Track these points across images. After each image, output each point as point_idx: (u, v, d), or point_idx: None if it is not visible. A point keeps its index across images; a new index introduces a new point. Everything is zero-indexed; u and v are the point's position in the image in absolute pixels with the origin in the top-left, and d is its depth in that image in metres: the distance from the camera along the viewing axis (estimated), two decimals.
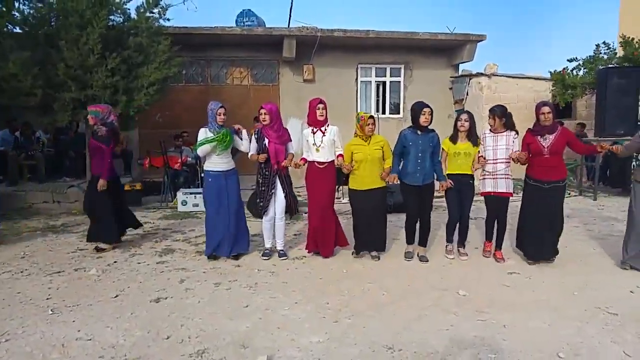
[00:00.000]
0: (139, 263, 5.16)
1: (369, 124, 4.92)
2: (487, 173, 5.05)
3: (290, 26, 11.61)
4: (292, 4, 11.78)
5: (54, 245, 5.94)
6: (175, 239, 6.21)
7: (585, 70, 10.72)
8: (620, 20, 15.18)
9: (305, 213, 5.46)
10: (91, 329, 3.51)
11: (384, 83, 12.70)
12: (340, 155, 5.05)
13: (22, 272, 4.86)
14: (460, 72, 12.69)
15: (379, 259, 5.21)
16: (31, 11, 7.29)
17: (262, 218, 5.33)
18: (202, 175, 5.44)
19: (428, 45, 12.13)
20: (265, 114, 5.00)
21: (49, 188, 8.45)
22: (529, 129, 4.99)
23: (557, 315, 3.66)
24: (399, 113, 12.67)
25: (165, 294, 4.20)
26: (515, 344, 3.20)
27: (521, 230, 5.11)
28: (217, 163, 5.08)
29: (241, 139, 5.18)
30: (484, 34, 11.63)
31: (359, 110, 12.17)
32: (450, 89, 12.56)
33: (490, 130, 5.12)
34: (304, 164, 5.16)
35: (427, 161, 4.96)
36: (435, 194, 5.29)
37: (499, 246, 5.21)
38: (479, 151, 5.06)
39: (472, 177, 5.11)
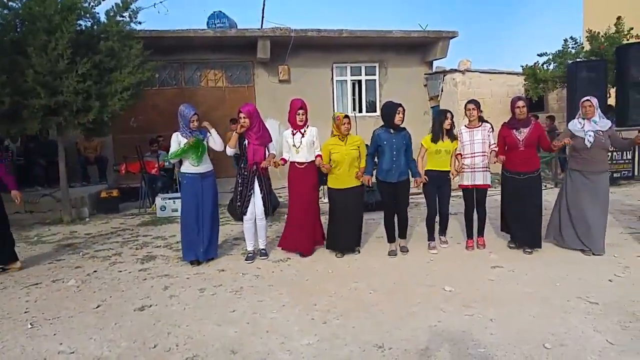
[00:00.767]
0: (120, 271, 5.04)
1: (344, 124, 5.03)
2: (465, 167, 5.19)
3: (264, 27, 11.54)
4: (264, 4, 11.67)
5: (29, 256, 5.76)
6: (157, 245, 6.10)
7: (555, 64, 10.98)
8: (585, 16, 15.64)
9: (286, 214, 5.46)
10: (74, 341, 3.41)
11: (360, 82, 12.75)
12: (319, 155, 5.13)
13: None
14: (434, 69, 12.85)
15: (359, 252, 5.36)
16: None
17: (242, 220, 5.30)
18: (179, 178, 5.38)
19: (402, 43, 12.23)
20: (244, 117, 4.97)
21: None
22: (504, 122, 5.20)
23: (542, 307, 3.73)
24: (375, 111, 12.72)
25: (150, 302, 4.12)
26: (503, 337, 3.25)
27: (505, 216, 5.35)
28: (194, 166, 5.03)
29: (210, 134, 5.12)
30: (456, 31, 11.80)
31: (335, 110, 12.20)
32: (425, 86, 12.70)
33: (465, 126, 5.28)
34: (283, 164, 5.20)
35: (402, 159, 5.10)
36: (416, 190, 5.41)
37: (480, 234, 5.42)
38: (457, 148, 5.21)
39: (450, 173, 5.28)
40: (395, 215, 5.29)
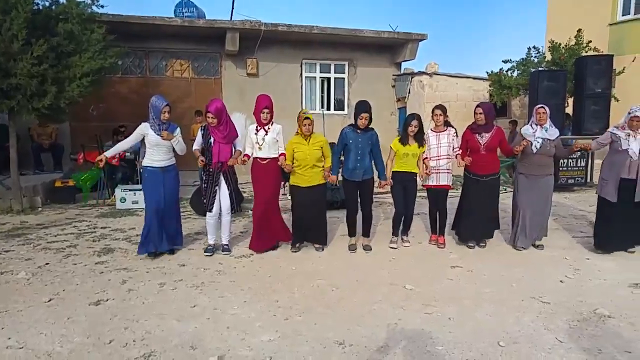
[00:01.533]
0: (74, 264, 4.86)
1: (305, 125, 5.01)
2: (432, 169, 5.32)
3: (233, 19, 11.38)
4: None
5: None
6: (115, 238, 5.91)
7: (518, 72, 11.31)
8: (548, 26, 16.19)
9: (251, 210, 5.41)
10: (23, 336, 3.27)
11: (329, 79, 12.77)
12: (283, 154, 5.11)
13: None
14: (402, 71, 13.01)
15: (322, 249, 5.36)
16: None
17: (205, 215, 5.24)
18: (141, 170, 5.25)
19: (372, 43, 12.33)
20: (212, 117, 4.89)
21: None
22: (468, 126, 5.38)
23: (498, 306, 3.83)
24: (343, 109, 12.80)
25: (106, 296, 3.99)
26: (461, 335, 3.32)
27: (458, 215, 5.59)
28: (155, 159, 4.92)
29: (172, 141, 4.97)
30: (425, 33, 12.00)
31: (304, 106, 12.21)
32: (393, 86, 12.84)
33: (432, 129, 5.44)
34: (247, 160, 5.16)
35: (366, 158, 5.17)
36: (382, 190, 5.46)
37: (441, 232, 5.58)
38: (424, 152, 5.32)
39: (416, 174, 5.40)
40: (361, 214, 5.36)
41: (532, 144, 5.15)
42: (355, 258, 5.19)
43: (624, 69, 11.05)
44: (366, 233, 5.48)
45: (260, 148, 5.09)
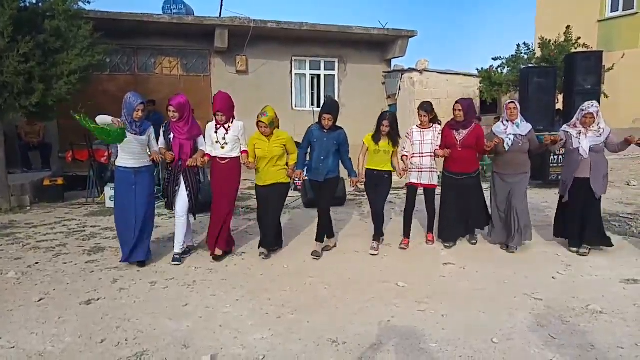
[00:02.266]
0: (65, 263, 4.81)
1: (261, 127, 4.82)
2: (413, 166, 5.25)
3: (222, 16, 11.30)
4: None
5: None
6: (105, 237, 5.85)
7: (509, 69, 11.37)
8: (537, 23, 16.30)
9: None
10: (14, 336, 3.24)
11: (319, 76, 12.73)
12: (245, 151, 4.91)
13: None
14: (392, 67, 13.00)
15: (268, 256, 5.04)
16: None
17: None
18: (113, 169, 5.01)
19: (362, 40, 12.30)
20: (174, 111, 4.70)
21: None
22: (447, 122, 5.29)
23: (490, 304, 3.85)
24: None
25: (97, 295, 3.95)
26: (454, 332, 3.33)
27: (439, 216, 5.45)
28: (127, 159, 4.60)
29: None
30: (415, 30, 11.99)
31: (293, 104, 12.17)
32: (383, 84, 12.84)
33: (417, 125, 5.35)
34: (209, 160, 4.93)
35: (330, 159, 5.00)
36: (352, 187, 5.48)
37: (430, 230, 5.57)
38: (397, 150, 5.20)
39: (389, 172, 5.24)
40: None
41: (504, 142, 5.07)
42: (347, 255, 5.18)
43: (613, 66, 11.17)
44: (329, 234, 5.33)
45: (222, 147, 4.84)
